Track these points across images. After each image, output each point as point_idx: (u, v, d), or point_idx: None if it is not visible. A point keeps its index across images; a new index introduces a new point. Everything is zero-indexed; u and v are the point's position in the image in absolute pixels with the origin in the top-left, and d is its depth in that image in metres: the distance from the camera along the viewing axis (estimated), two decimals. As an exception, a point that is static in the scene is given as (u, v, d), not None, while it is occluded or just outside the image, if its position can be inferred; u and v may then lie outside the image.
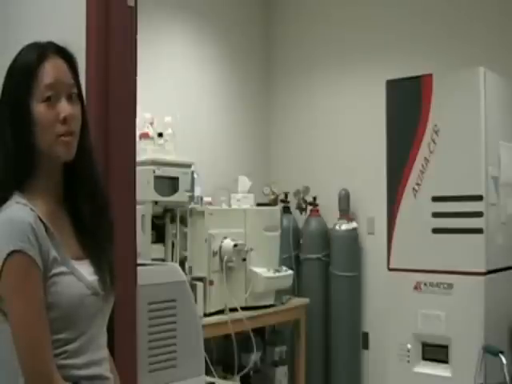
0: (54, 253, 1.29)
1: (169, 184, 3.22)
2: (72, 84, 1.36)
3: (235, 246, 3.44)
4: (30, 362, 1.24)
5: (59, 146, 1.32)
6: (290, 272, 3.91)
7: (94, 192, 1.41)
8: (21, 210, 1.27)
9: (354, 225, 4.39)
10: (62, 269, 1.30)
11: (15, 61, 1.34)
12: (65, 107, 1.32)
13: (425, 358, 3.34)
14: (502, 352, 2.94)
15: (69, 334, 1.30)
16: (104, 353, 1.41)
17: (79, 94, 1.38)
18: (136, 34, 1.87)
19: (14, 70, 1.33)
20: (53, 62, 1.33)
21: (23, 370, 1.25)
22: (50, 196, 1.35)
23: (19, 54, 1.35)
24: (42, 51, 1.34)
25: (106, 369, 1.39)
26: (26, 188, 1.32)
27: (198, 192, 3.57)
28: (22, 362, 1.24)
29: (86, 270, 1.35)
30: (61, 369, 1.28)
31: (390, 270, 3.50)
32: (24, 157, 1.31)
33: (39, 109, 1.30)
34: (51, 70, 1.32)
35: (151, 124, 3.42)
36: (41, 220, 1.29)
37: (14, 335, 1.25)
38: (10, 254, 1.22)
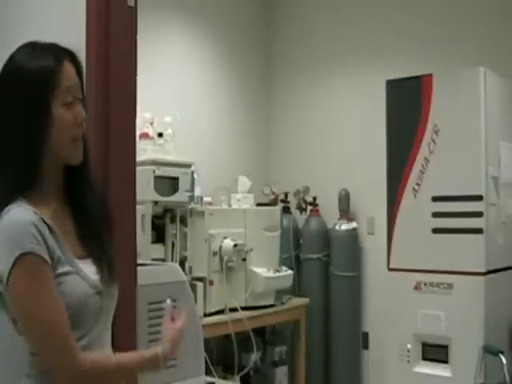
0: (58, 252, 1.29)
1: (169, 184, 3.22)
2: (80, 87, 1.39)
3: (235, 245, 3.44)
4: (58, 356, 1.25)
5: (73, 150, 1.35)
6: (290, 272, 3.91)
7: (97, 192, 1.45)
8: (24, 212, 1.27)
9: (354, 225, 4.39)
10: (67, 268, 1.31)
11: (27, 61, 1.32)
12: (81, 111, 1.35)
13: (425, 358, 3.34)
14: (502, 352, 2.94)
15: (74, 333, 1.30)
16: (108, 351, 1.41)
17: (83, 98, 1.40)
18: (136, 34, 1.88)
19: (31, 72, 1.31)
20: (67, 65, 1.36)
21: (53, 366, 1.27)
22: (52, 197, 1.36)
23: (28, 54, 1.34)
24: (57, 54, 1.35)
25: None
26: (29, 191, 1.32)
27: (198, 192, 3.57)
28: (51, 357, 1.26)
29: (89, 269, 1.36)
30: None
31: (390, 270, 3.50)
32: (34, 160, 1.31)
33: (60, 112, 1.32)
34: (68, 73, 1.35)
35: (151, 124, 3.42)
36: (44, 222, 1.29)
37: (33, 337, 1.26)
38: (19, 257, 1.22)
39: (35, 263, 1.24)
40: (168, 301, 1.51)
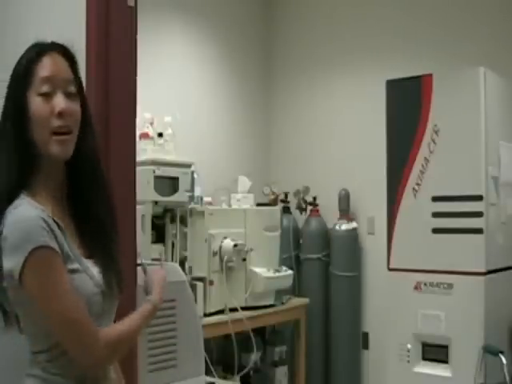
0: (67, 249, 1.29)
1: (169, 184, 3.22)
2: (71, 80, 1.35)
3: (235, 245, 3.44)
4: (82, 344, 1.26)
5: (53, 144, 1.30)
6: (290, 272, 3.91)
7: (97, 191, 1.41)
8: (32, 208, 1.26)
9: (354, 225, 4.39)
10: (76, 266, 1.30)
11: (17, 62, 1.35)
12: (60, 102, 1.31)
13: (425, 358, 3.34)
14: (502, 352, 2.94)
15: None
16: None
17: (80, 93, 1.37)
18: (136, 33, 1.88)
19: (15, 70, 1.34)
20: (51, 57, 1.33)
21: (79, 353, 1.27)
22: (52, 197, 1.34)
23: (22, 54, 1.36)
24: (42, 48, 1.34)
25: (110, 369, 1.41)
26: (30, 189, 1.31)
27: (198, 192, 3.57)
28: (76, 346, 1.26)
29: (92, 269, 1.35)
30: (69, 368, 1.29)
31: (390, 270, 3.50)
32: (24, 153, 1.30)
33: (35, 102, 1.30)
34: (49, 65, 1.32)
35: (151, 124, 3.42)
36: (53, 219, 1.28)
37: (55, 328, 1.25)
38: (32, 252, 1.21)
39: (48, 255, 1.23)
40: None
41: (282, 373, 4.08)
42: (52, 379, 1.30)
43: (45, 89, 1.30)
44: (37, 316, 1.28)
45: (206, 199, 3.71)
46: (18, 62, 1.34)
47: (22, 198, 1.28)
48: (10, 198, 1.28)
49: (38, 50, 1.33)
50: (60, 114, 1.30)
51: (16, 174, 1.30)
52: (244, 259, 3.53)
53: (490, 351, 3.01)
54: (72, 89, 1.34)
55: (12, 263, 1.22)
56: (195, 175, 3.48)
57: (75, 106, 1.34)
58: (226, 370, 3.64)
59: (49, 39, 1.38)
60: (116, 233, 1.44)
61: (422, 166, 3.37)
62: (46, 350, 1.30)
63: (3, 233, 1.24)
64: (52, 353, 1.30)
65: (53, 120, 1.30)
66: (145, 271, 1.67)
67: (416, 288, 3.35)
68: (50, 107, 1.30)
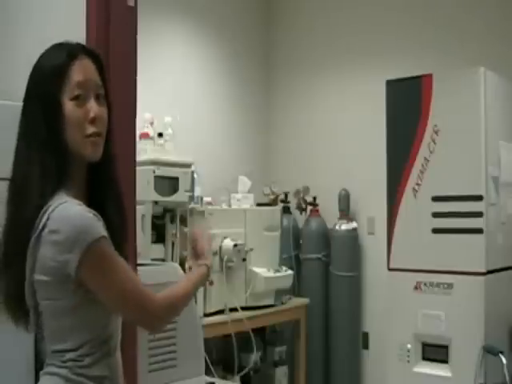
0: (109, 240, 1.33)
1: (169, 184, 3.22)
2: (100, 85, 1.38)
3: (235, 245, 3.44)
4: (142, 306, 1.34)
5: (87, 145, 1.34)
6: (290, 272, 3.91)
7: (117, 194, 1.44)
8: (78, 205, 1.29)
9: (354, 225, 4.39)
10: None
11: (43, 60, 1.36)
12: (93, 107, 1.34)
13: (425, 358, 3.34)
14: (501, 352, 2.94)
15: (106, 332, 1.34)
16: (119, 353, 1.44)
17: (106, 96, 1.40)
18: (136, 34, 1.88)
19: (43, 69, 1.34)
20: (82, 61, 1.35)
21: (137, 317, 1.36)
22: (78, 197, 1.35)
23: (46, 52, 1.37)
24: (72, 51, 1.35)
25: (121, 368, 1.43)
26: (64, 186, 1.33)
27: (197, 192, 3.57)
28: (136, 310, 1.34)
29: None
30: (92, 368, 1.31)
31: (390, 269, 3.50)
32: (60, 154, 1.32)
33: (69, 106, 1.32)
34: (81, 69, 1.34)
35: (151, 124, 3.42)
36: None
37: (120, 302, 1.32)
38: (92, 243, 1.24)
39: (106, 243, 1.28)
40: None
41: (282, 373, 4.08)
42: (76, 380, 1.30)
43: (78, 93, 1.32)
44: (71, 309, 1.30)
45: (206, 199, 3.71)
46: (43, 63, 1.35)
47: (60, 193, 1.30)
48: (53, 195, 1.29)
49: (69, 53, 1.34)
50: (93, 120, 1.33)
51: (56, 171, 1.31)
52: (244, 259, 3.53)
53: (489, 351, 3.01)
54: (101, 93, 1.37)
55: (68, 256, 1.24)
56: (195, 175, 3.48)
57: (104, 110, 1.37)
58: (226, 370, 3.64)
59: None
60: (127, 232, 1.46)
61: (422, 165, 3.37)
62: (74, 349, 1.31)
63: (49, 226, 1.26)
64: (79, 352, 1.31)
65: (87, 125, 1.33)
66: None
67: (416, 288, 3.35)
68: (84, 112, 1.33)
